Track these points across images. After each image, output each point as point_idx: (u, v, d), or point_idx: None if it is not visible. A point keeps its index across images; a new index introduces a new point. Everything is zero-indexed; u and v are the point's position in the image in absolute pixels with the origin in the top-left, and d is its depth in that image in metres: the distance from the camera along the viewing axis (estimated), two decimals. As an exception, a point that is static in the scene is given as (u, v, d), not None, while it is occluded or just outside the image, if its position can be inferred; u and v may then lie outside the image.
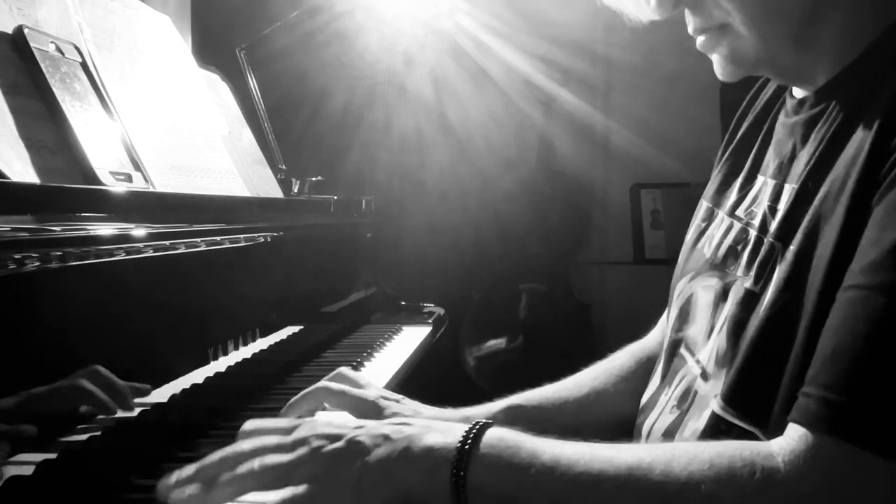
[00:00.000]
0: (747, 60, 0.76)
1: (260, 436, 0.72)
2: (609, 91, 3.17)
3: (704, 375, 0.79)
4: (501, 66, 3.01)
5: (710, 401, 0.75)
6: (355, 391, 0.97)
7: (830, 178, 0.68)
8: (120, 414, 0.97)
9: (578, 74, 3.10)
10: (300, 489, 0.65)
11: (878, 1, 0.72)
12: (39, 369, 0.87)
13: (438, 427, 0.68)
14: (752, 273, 0.76)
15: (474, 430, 0.67)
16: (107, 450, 0.87)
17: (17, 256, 0.80)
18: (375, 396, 0.97)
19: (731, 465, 0.60)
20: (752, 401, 0.70)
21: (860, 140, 0.65)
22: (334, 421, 0.72)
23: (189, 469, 0.69)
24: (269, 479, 0.67)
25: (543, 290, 3.02)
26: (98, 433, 0.89)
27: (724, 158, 0.96)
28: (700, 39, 0.78)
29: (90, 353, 0.95)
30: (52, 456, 0.81)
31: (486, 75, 3.02)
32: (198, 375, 1.19)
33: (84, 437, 0.88)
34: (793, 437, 0.60)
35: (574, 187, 3.13)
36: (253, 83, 2.03)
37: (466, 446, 0.65)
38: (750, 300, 0.74)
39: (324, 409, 0.99)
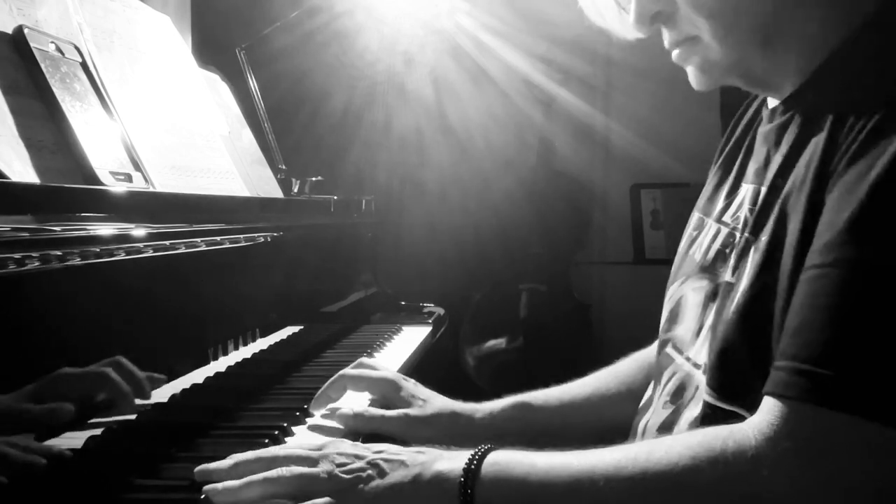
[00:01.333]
0: (717, 70, 0.82)
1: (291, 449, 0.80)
2: (609, 91, 3.17)
3: (699, 367, 0.83)
4: (501, 66, 3.01)
5: (702, 388, 0.80)
6: (374, 373, 1.09)
7: (793, 176, 0.74)
8: (129, 416, 0.97)
9: (578, 74, 3.10)
10: (319, 502, 0.72)
11: (835, 13, 0.76)
12: (39, 369, 0.87)
13: (448, 455, 0.76)
14: (731, 267, 0.82)
15: (479, 454, 0.74)
16: (107, 450, 0.87)
17: (17, 256, 0.80)
18: (395, 377, 1.08)
19: (706, 442, 0.66)
20: (730, 382, 0.75)
21: (817, 140, 0.72)
22: (358, 444, 0.81)
23: (227, 462, 0.77)
24: (294, 487, 0.74)
25: (543, 290, 3.02)
26: (98, 433, 0.89)
27: (713, 171, 1.01)
28: (675, 52, 0.85)
29: (90, 353, 0.95)
30: (53, 455, 0.81)
31: (486, 75, 3.02)
32: (198, 375, 1.19)
33: (84, 436, 0.88)
34: (763, 408, 0.66)
35: (574, 187, 3.13)
36: (253, 83, 2.03)
37: (472, 467, 0.72)
38: (728, 291, 0.80)
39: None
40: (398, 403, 1.05)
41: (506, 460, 0.73)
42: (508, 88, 3.05)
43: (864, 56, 0.73)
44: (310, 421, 1.04)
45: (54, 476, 0.77)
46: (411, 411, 1.03)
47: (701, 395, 0.80)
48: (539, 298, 3.01)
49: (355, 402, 1.09)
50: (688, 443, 0.67)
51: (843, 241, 0.63)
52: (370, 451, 0.77)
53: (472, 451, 0.74)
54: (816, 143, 0.72)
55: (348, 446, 0.79)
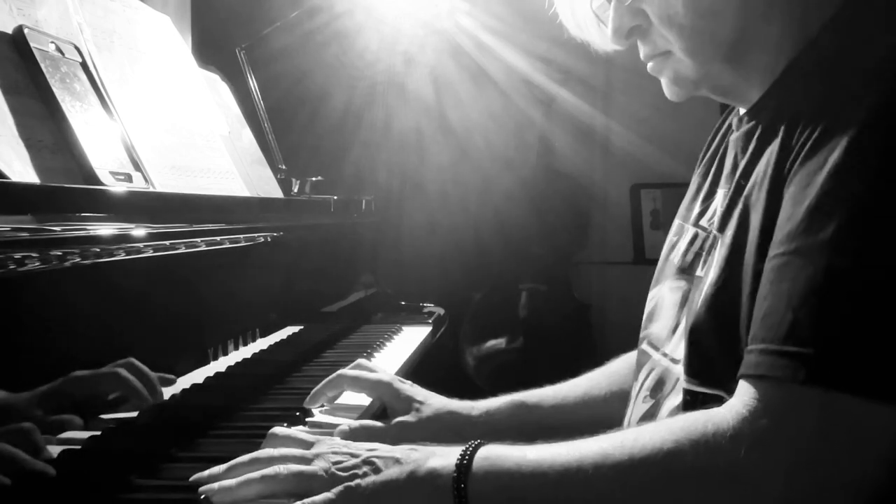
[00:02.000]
0: (688, 82, 0.88)
1: (286, 444, 0.83)
2: (609, 91, 3.17)
3: (676, 361, 0.87)
4: (501, 66, 3.00)
5: (682, 378, 0.84)
6: (371, 375, 1.10)
7: (754, 176, 0.79)
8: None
9: (578, 74, 3.10)
10: (317, 499, 0.73)
11: (795, 23, 0.81)
12: (39, 369, 0.87)
13: (441, 452, 0.77)
14: (701, 263, 0.87)
15: (470, 449, 0.76)
16: (107, 449, 0.87)
17: (17, 256, 0.80)
18: (391, 379, 1.09)
19: (687, 426, 0.70)
20: (704, 368, 0.79)
21: (776, 141, 0.77)
22: (351, 442, 0.82)
23: (223, 466, 0.78)
24: (291, 485, 0.75)
25: (543, 290, 3.02)
26: (98, 433, 0.89)
27: (693, 179, 1.05)
28: (650, 65, 0.90)
29: (90, 353, 0.95)
30: (52, 455, 0.81)
31: (486, 75, 3.02)
32: (198, 375, 1.19)
33: (84, 435, 0.88)
34: (738, 391, 0.70)
35: (574, 187, 3.13)
36: (253, 83, 2.03)
37: (464, 461, 0.75)
38: (697, 284, 0.85)
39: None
40: (396, 405, 1.06)
41: (496, 454, 0.75)
42: (508, 88, 3.05)
43: (817, 61, 0.79)
44: (309, 420, 1.04)
45: (55, 476, 0.77)
46: (409, 418, 1.04)
47: (681, 386, 0.84)
48: (539, 298, 3.01)
49: (353, 398, 1.10)
50: (670, 427, 0.71)
51: (802, 230, 0.68)
52: (364, 448, 0.79)
53: (463, 447, 0.76)
54: (773, 146, 0.77)
55: (341, 444, 0.80)
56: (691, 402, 0.81)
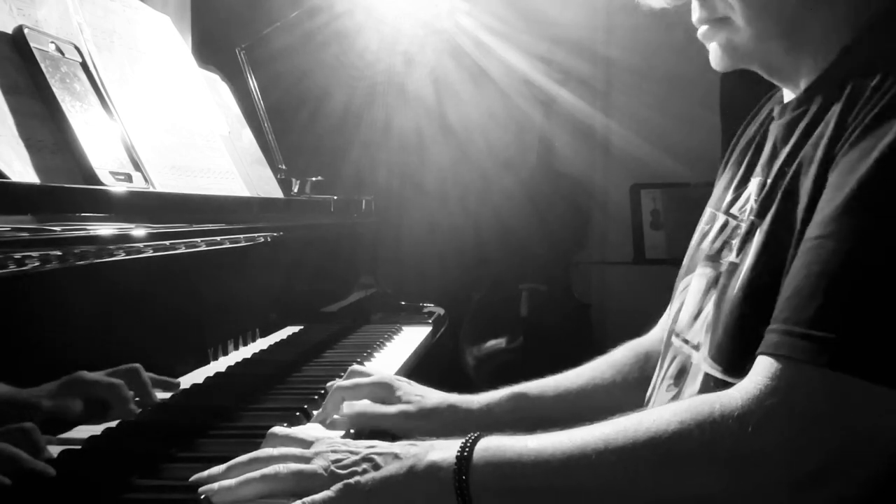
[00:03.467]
0: (739, 53, 0.85)
1: (285, 443, 0.82)
2: (609, 91, 3.17)
3: (697, 348, 0.86)
4: (501, 66, 3.00)
5: (702, 364, 0.83)
6: (369, 379, 1.10)
7: (800, 159, 0.77)
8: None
9: (578, 74, 3.10)
10: (317, 497, 0.72)
11: (852, 9, 0.80)
12: (39, 369, 0.87)
13: (440, 445, 0.76)
14: (735, 250, 0.85)
15: (469, 441, 0.75)
16: (107, 449, 0.87)
17: (17, 256, 0.80)
18: (389, 379, 1.10)
19: (693, 407, 0.69)
20: (737, 358, 0.77)
21: (825, 126, 0.76)
22: (349, 440, 0.81)
23: (222, 466, 0.77)
24: (290, 483, 0.74)
25: (543, 290, 3.02)
26: (98, 433, 0.89)
27: (726, 168, 1.02)
28: (702, 29, 0.87)
29: (90, 354, 0.95)
30: (52, 455, 0.81)
31: (486, 75, 3.02)
32: (198, 375, 1.19)
33: (84, 436, 0.88)
34: (752, 370, 0.69)
35: (574, 187, 3.13)
36: (253, 83, 2.02)
37: (465, 454, 0.73)
38: (732, 270, 0.83)
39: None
40: (395, 403, 1.06)
41: (497, 444, 0.75)
42: (508, 88, 3.05)
43: (873, 48, 0.77)
44: (309, 422, 1.04)
45: (55, 476, 0.77)
46: (410, 407, 1.05)
47: (697, 371, 0.83)
48: (539, 298, 3.00)
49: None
50: (675, 409, 0.70)
51: (841, 213, 0.67)
52: (362, 445, 0.78)
53: (462, 440, 0.75)
54: (825, 129, 0.75)
55: (340, 443, 0.80)
56: (712, 388, 0.79)
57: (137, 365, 1.02)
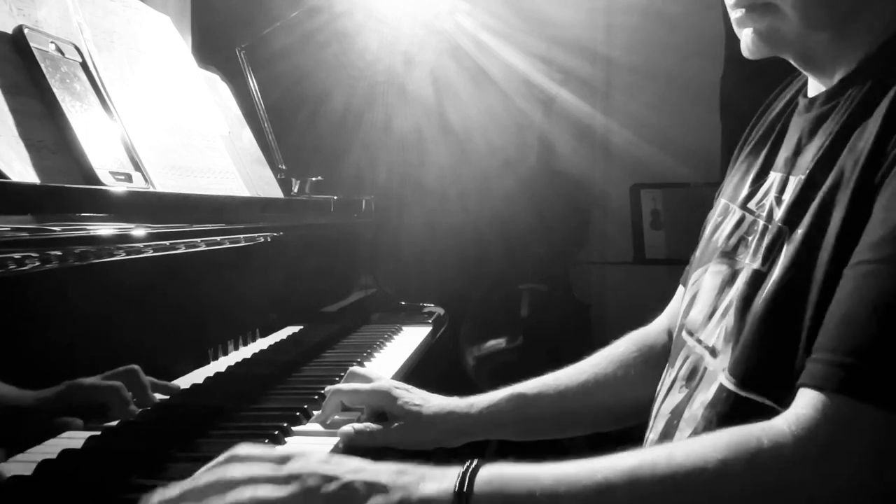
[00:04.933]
0: (780, 41, 0.80)
1: (252, 462, 0.69)
2: (609, 91, 3.17)
3: (713, 352, 0.82)
4: (501, 66, 3.00)
5: (719, 374, 0.78)
6: (367, 385, 1.08)
7: (837, 168, 0.72)
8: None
9: (578, 74, 3.10)
10: None
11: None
12: (40, 369, 0.87)
13: (433, 475, 0.67)
14: (760, 255, 0.80)
15: (469, 472, 0.66)
16: (107, 449, 0.87)
17: (17, 256, 0.80)
18: (388, 387, 1.07)
19: (735, 442, 0.62)
20: (757, 372, 0.73)
21: (867, 133, 0.70)
22: (332, 459, 0.70)
23: (173, 490, 0.66)
24: None
25: (543, 290, 3.02)
26: (98, 433, 0.89)
27: (740, 158, 0.99)
28: (738, 13, 0.81)
29: (90, 354, 0.95)
30: (52, 456, 0.81)
31: (486, 75, 3.02)
32: (198, 375, 1.19)
33: (83, 436, 0.88)
34: (799, 402, 0.63)
35: (574, 187, 3.13)
36: (253, 83, 2.02)
37: (464, 489, 0.64)
38: (756, 279, 0.78)
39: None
40: (395, 412, 1.04)
41: (502, 478, 0.65)
42: (508, 88, 3.05)
43: None
44: (308, 422, 1.04)
45: (55, 476, 0.77)
46: (409, 422, 1.02)
47: (712, 378, 0.80)
48: (539, 298, 3.00)
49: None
50: (714, 444, 0.62)
51: (894, 238, 0.62)
52: (344, 468, 0.68)
53: (460, 469, 0.66)
54: (867, 137, 0.70)
55: (319, 464, 0.68)
56: (727, 401, 0.75)
57: (136, 367, 1.01)
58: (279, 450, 0.75)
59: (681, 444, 0.66)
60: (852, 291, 0.64)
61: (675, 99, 2.96)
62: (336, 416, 1.05)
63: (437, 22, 2.82)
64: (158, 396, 1.06)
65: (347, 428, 0.99)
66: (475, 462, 0.67)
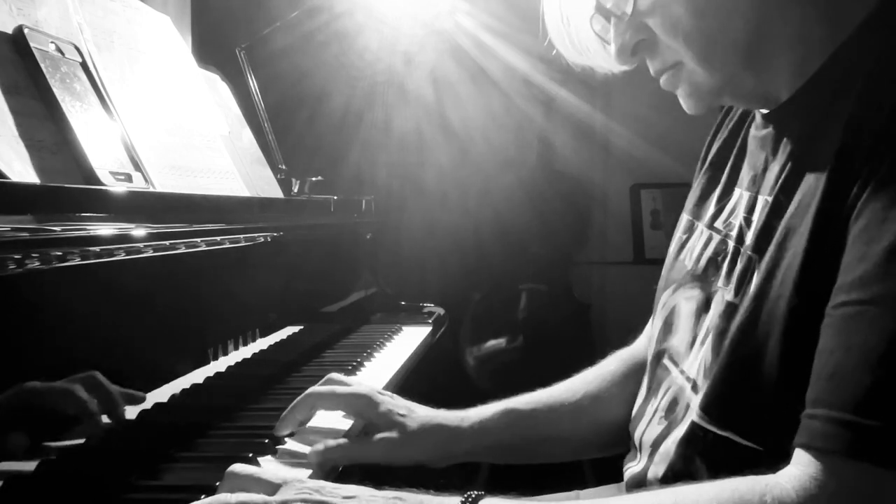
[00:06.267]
0: (706, 93, 0.79)
1: (247, 485, 0.69)
2: (609, 91, 3.16)
3: (695, 387, 0.79)
4: (501, 66, 3.00)
5: (693, 411, 0.77)
6: (346, 389, 0.98)
7: (800, 193, 0.69)
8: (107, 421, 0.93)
9: (578, 74, 3.09)
10: None
11: (823, 22, 0.73)
12: (40, 370, 0.87)
13: (430, 503, 0.65)
14: (733, 285, 0.77)
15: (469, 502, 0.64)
16: (107, 450, 0.87)
17: (17, 256, 0.80)
18: (368, 391, 0.98)
19: (736, 497, 0.60)
20: (728, 409, 0.71)
21: (824, 157, 0.66)
22: (325, 487, 0.68)
23: None
24: None
25: (543, 290, 3.02)
26: (98, 433, 0.89)
27: (701, 172, 0.98)
28: (663, 80, 0.82)
29: (90, 354, 0.95)
30: (52, 456, 0.81)
31: (486, 75, 3.02)
32: (198, 375, 1.19)
33: (82, 437, 0.88)
34: (801, 461, 0.60)
35: (574, 187, 3.13)
36: (253, 83, 2.02)
37: None
38: (731, 312, 0.74)
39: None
40: (376, 420, 0.96)
41: None
42: (508, 88, 3.05)
43: (867, 58, 0.68)
44: (280, 449, 1.00)
45: (55, 475, 0.77)
46: (393, 434, 0.94)
47: (690, 414, 0.78)
48: (539, 298, 3.00)
49: (332, 420, 1.00)
50: (718, 497, 0.61)
51: (881, 274, 0.57)
52: (339, 496, 0.66)
53: (459, 498, 0.65)
54: (824, 161, 0.66)
55: (315, 489, 0.67)
56: (700, 438, 0.74)
57: (94, 373, 0.93)
58: (271, 472, 0.74)
59: (683, 493, 0.63)
60: (840, 338, 0.59)
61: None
62: (307, 450, 0.90)
63: (437, 22, 2.82)
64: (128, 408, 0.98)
65: (318, 446, 0.88)
66: (476, 494, 0.66)
